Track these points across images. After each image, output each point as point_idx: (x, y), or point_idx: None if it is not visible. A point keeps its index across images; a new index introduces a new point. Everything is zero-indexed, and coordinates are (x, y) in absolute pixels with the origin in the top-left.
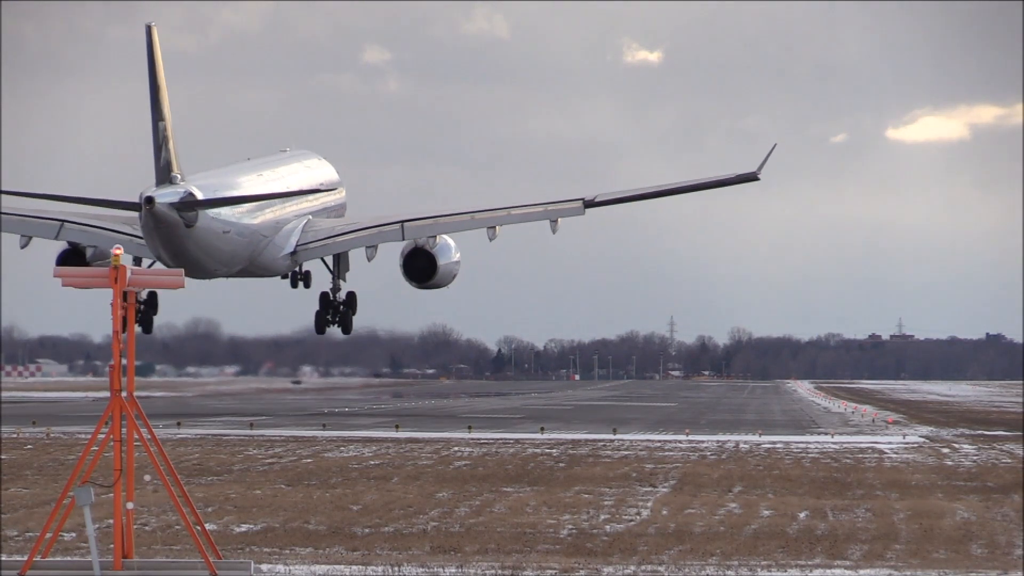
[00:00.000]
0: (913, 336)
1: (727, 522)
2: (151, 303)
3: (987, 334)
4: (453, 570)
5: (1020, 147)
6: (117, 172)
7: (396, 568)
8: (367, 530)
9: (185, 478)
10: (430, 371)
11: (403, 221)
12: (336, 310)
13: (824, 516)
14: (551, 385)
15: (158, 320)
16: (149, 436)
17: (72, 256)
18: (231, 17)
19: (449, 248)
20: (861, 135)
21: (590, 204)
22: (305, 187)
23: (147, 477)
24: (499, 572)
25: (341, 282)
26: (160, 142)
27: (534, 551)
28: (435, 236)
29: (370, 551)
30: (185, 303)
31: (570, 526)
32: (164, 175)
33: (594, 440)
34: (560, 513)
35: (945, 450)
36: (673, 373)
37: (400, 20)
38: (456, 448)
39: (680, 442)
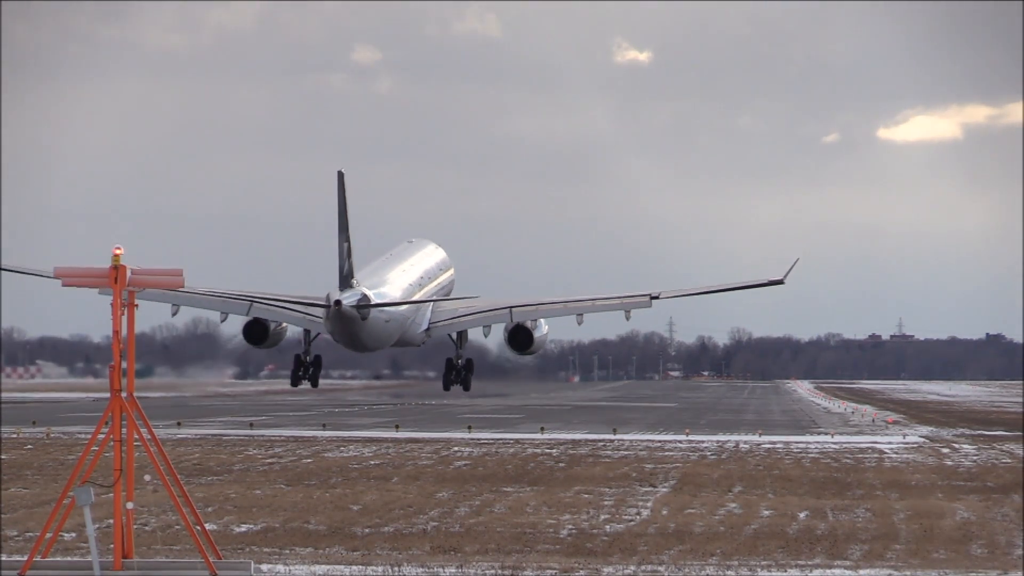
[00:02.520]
0: (913, 336)
1: (727, 522)
2: (317, 362)
3: (987, 334)
4: (453, 570)
5: (1013, 147)
6: (113, 171)
7: (396, 568)
8: (367, 530)
9: (185, 478)
10: (431, 373)
11: (511, 307)
12: (458, 372)
13: (824, 516)
14: (551, 386)
15: (158, 320)
16: (149, 436)
17: (255, 326)
18: (222, 17)
19: (541, 325)
20: (853, 135)
21: (655, 297)
22: (430, 272)
23: (147, 477)
24: (499, 572)
25: (461, 351)
26: (344, 256)
27: (534, 551)
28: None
29: (370, 551)
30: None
31: (570, 526)
32: (346, 281)
33: (594, 440)
34: (560, 513)
35: (945, 450)
36: (673, 374)
37: (392, 20)
38: (456, 448)
39: (680, 442)
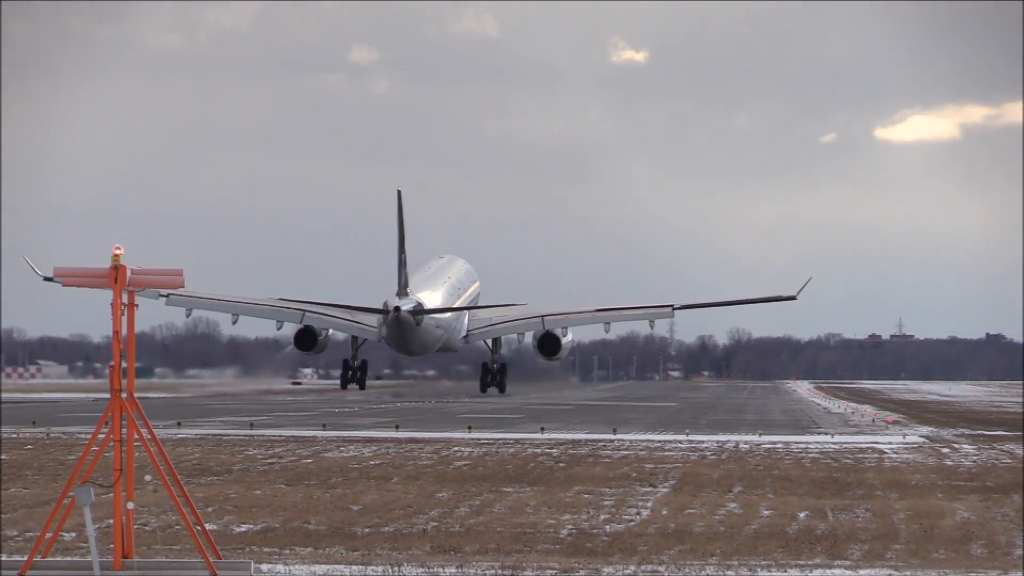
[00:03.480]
0: (913, 336)
1: (727, 522)
2: (364, 367)
3: (987, 334)
4: (453, 570)
5: (1010, 147)
6: (111, 171)
7: (396, 568)
8: (367, 530)
9: (185, 478)
10: (430, 372)
11: (543, 316)
12: (494, 376)
13: (824, 516)
14: (551, 386)
15: (157, 320)
16: (149, 436)
17: (306, 333)
18: (219, 16)
19: (568, 332)
20: (850, 135)
21: (676, 308)
22: (463, 283)
23: (147, 477)
24: (499, 572)
25: (496, 356)
26: (401, 267)
27: (534, 551)
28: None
29: (370, 551)
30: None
31: (570, 526)
32: (402, 290)
33: (594, 440)
34: (560, 513)
35: (945, 450)
36: (673, 374)
37: (389, 19)
38: (456, 448)
39: (680, 442)
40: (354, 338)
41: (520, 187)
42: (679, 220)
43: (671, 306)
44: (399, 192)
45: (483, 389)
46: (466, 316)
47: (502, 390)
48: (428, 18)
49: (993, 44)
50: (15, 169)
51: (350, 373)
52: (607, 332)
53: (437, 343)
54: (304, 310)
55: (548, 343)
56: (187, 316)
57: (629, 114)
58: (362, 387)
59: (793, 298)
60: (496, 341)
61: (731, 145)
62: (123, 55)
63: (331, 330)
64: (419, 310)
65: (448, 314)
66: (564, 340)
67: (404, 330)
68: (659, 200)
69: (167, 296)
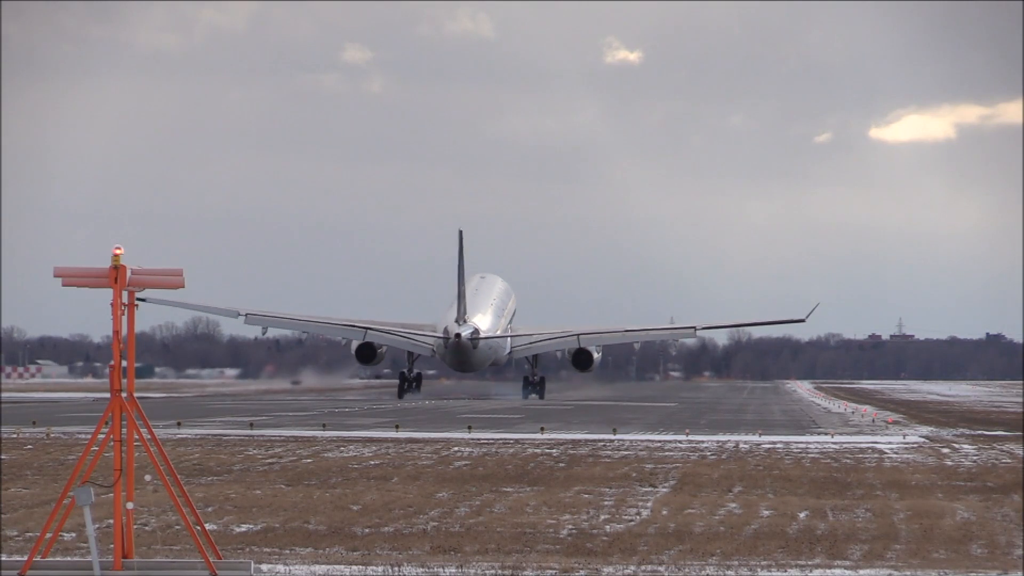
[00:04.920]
0: (913, 336)
1: (727, 522)
2: (419, 378)
3: (987, 334)
4: (453, 570)
5: (1005, 147)
6: (110, 171)
7: (396, 568)
8: (367, 530)
9: (185, 478)
10: (431, 372)
11: (578, 334)
12: (534, 386)
13: (824, 516)
14: (550, 386)
15: (157, 320)
16: (149, 436)
17: (365, 348)
18: (213, 17)
19: (600, 349)
20: (845, 135)
21: (699, 329)
22: (504, 302)
23: (147, 477)
24: (499, 572)
25: (536, 370)
26: (460, 298)
27: (534, 551)
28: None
29: (370, 551)
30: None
31: (570, 526)
32: (461, 317)
33: (594, 440)
34: (560, 513)
35: (945, 450)
36: (673, 374)
37: (384, 19)
38: (456, 448)
39: (680, 442)
40: (410, 353)
41: (514, 187)
42: (674, 219)
43: (694, 327)
44: (460, 232)
45: (525, 397)
46: (509, 335)
47: (541, 396)
48: (423, 18)
49: (988, 44)
50: (15, 169)
51: (406, 384)
52: (637, 349)
53: (489, 361)
54: (366, 328)
55: (582, 358)
56: (263, 333)
57: (624, 114)
58: (418, 390)
59: (802, 320)
60: (536, 357)
61: (726, 145)
62: (117, 55)
63: (385, 346)
64: (476, 336)
65: (499, 336)
66: (595, 356)
67: (463, 352)
68: (654, 199)
69: (245, 316)
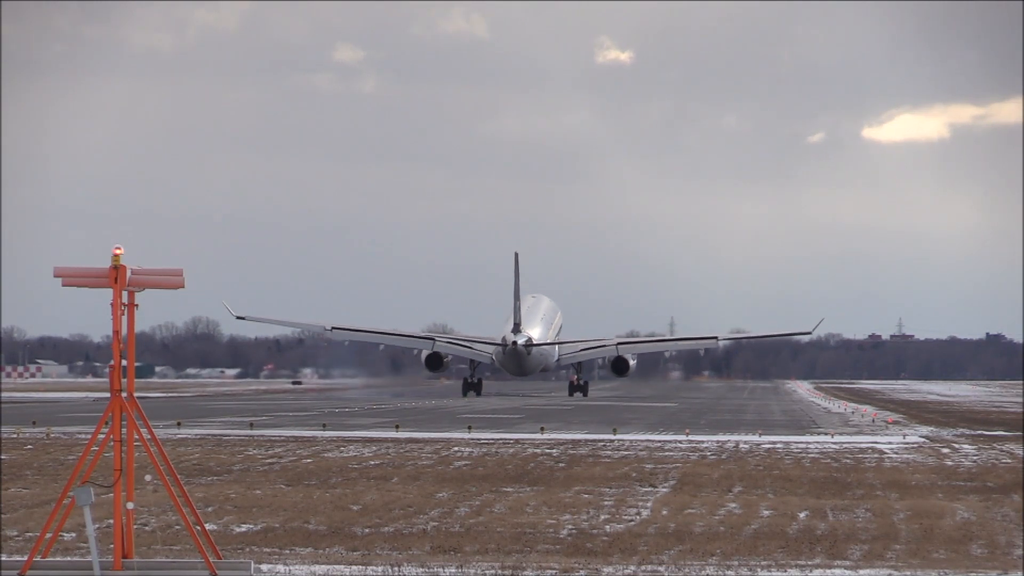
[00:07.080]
0: (913, 336)
1: (727, 522)
2: (479, 384)
3: (987, 334)
4: (453, 570)
5: (998, 147)
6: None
7: (396, 568)
8: (367, 530)
9: (185, 478)
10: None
11: (617, 344)
12: (579, 388)
13: (824, 516)
14: (551, 386)
15: (157, 320)
16: (149, 436)
17: (433, 357)
18: (206, 16)
19: (635, 356)
20: (838, 134)
21: (721, 339)
22: (552, 317)
23: (147, 477)
24: (499, 572)
25: (580, 374)
26: (516, 312)
27: (534, 551)
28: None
29: (370, 551)
30: (185, 302)
31: (570, 526)
32: (516, 328)
33: (594, 440)
34: (560, 513)
35: (945, 450)
36: (673, 374)
37: (377, 19)
38: (456, 448)
39: (680, 442)
40: (472, 361)
41: (506, 186)
42: (667, 219)
43: (716, 337)
44: (516, 255)
45: (571, 395)
46: (556, 344)
47: (585, 394)
48: (416, 18)
49: (981, 44)
50: (15, 169)
51: (468, 388)
52: (668, 357)
53: (540, 366)
54: (434, 339)
55: (620, 365)
56: (346, 345)
57: (616, 114)
58: (479, 395)
59: (808, 333)
60: (580, 363)
61: (718, 145)
62: (111, 55)
63: (451, 355)
64: (530, 344)
65: (548, 343)
66: (631, 362)
67: (519, 358)
68: (647, 199)
69: (331, 329)
